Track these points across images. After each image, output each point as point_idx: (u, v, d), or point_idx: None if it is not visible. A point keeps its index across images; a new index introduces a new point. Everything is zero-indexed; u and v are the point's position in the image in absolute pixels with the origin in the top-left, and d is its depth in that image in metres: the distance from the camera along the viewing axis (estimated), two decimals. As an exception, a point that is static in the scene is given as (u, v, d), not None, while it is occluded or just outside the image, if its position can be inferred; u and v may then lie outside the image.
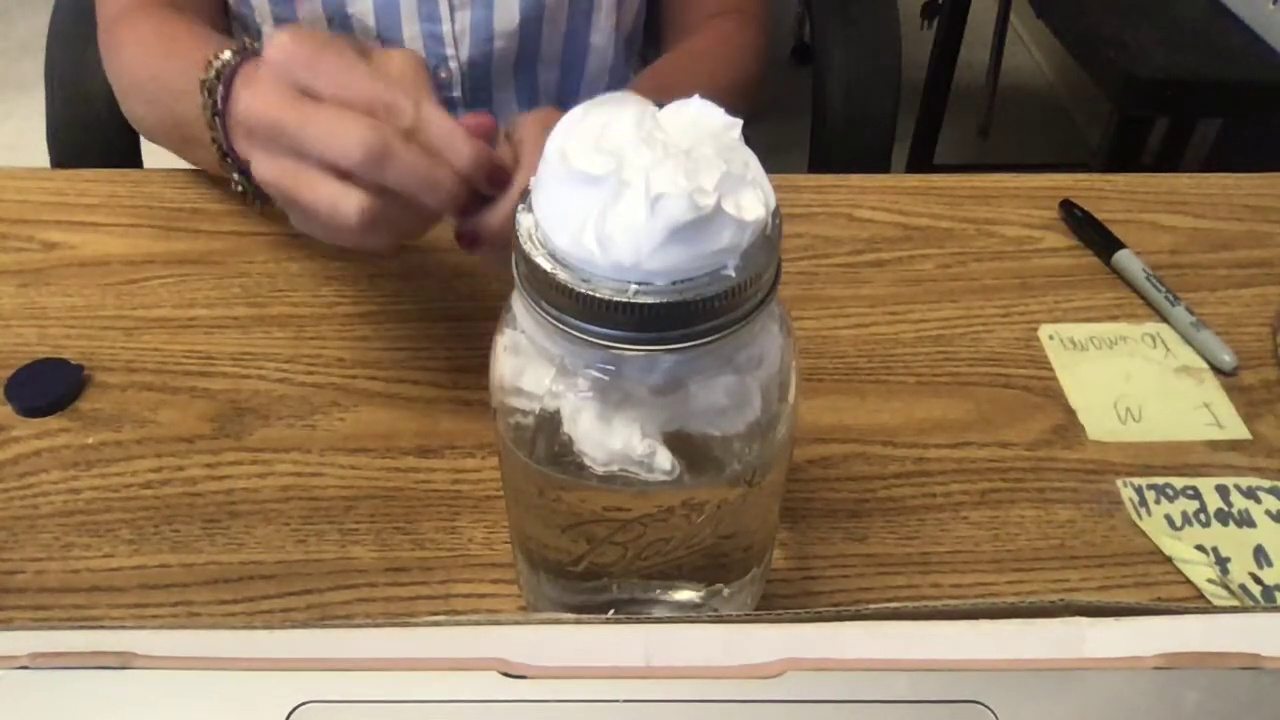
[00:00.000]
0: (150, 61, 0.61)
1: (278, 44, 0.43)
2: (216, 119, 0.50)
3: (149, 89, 0.61)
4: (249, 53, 0.50)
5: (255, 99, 0.42)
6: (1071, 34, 1.30)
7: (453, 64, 0.74)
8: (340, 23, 0.72)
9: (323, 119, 0.41)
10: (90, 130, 0.78)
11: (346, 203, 0.41)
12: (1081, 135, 2.22)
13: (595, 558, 0.37)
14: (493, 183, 0.44)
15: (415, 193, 0.42)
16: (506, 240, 0.41)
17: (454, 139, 0.42)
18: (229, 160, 0.50)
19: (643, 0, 0.80)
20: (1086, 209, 0.66)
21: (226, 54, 0.49)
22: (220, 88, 0.49)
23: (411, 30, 0.72)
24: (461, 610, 0.45)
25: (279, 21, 0.73)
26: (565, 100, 0.79)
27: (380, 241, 0.43)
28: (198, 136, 0.52)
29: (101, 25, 0.67)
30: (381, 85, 0.42)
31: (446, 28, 0.72)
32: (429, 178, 0.41)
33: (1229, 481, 0.50)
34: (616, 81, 0.80)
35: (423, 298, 0.60)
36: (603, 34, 0.77)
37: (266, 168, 0.43)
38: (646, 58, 0.87)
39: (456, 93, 0.76)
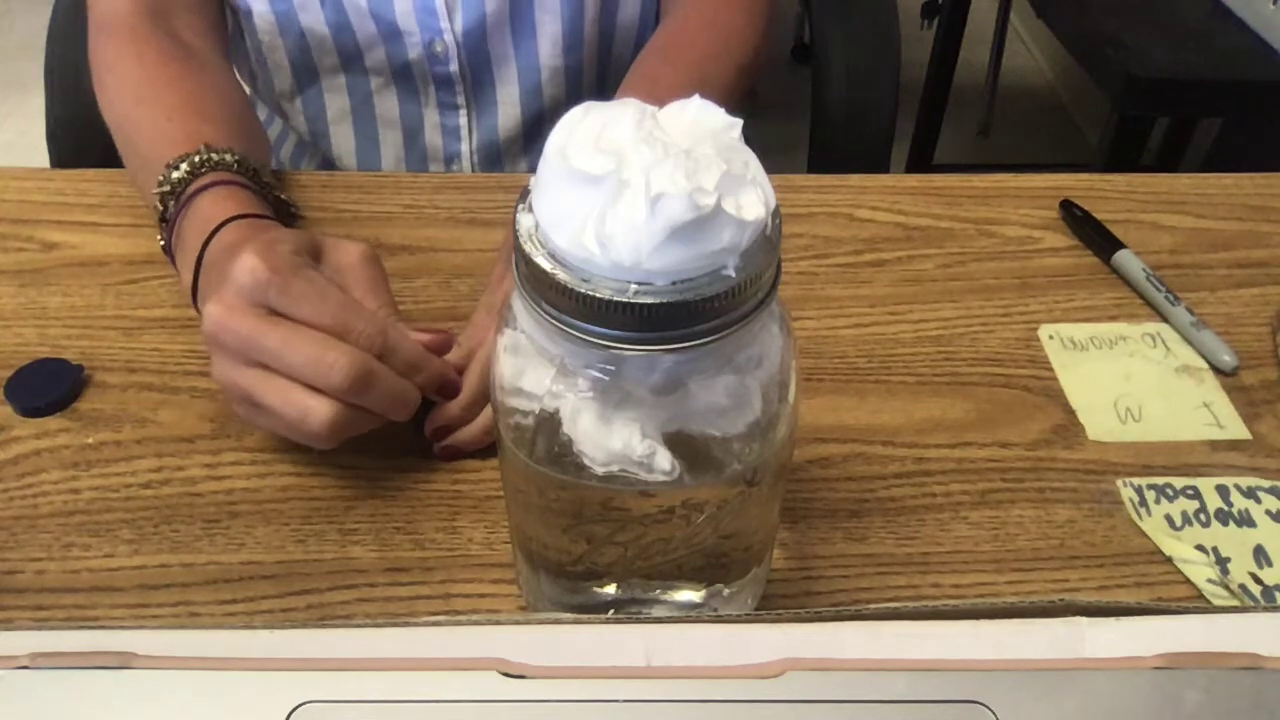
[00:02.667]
0: (124, 114, 0.62)
1: (247, 268, 0.44)
2: (164, 224, 0.56)
3: (120, 144, 0.63)
4: (205, 166, 0.55)
5: (230, 316, 0.44)
6: (1071, 34, 1.30)
7: (447, 37, 0.74)
8: (332, 3, 0.72)
9: (305, 343, 0.43)
10: (90, 130, 0.78)
11: (317, 414, 0.44)
12: (1081, 135, 2.22)
13: (595, 558, 0.37)
14: (442, 392, 0.49)
15: (386, 411, 0.46)
16: (483, 442, 0.50)
17: (419, 361, 0.47)
18: (170, 256, 0.56)
19: None
20: (1086, 209, 0.66)
21: (184, 167, 0.55)
22: (173, 202, 0.55)
23: (404, 6, 0.72)
24: (461, 610, 0.45)
25: (271, 2, 0.72)
26: (569, 74, 0.78)
27: (334, 443, 0.46)
28: (150, 205, 0.58)
29: (91, 25, 0.67)
30: (351, 313, 0.45)
31: (439, 0, 0.72)
32: (402, 398, 0.46)
33: (1229, 481, 0.50)
34: (612, 52, 0.79)
35: (423, 298, 0.60)
36: None
37: (231, 375, 0.45)
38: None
39: (453, 66, 0.75)
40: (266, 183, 0.60)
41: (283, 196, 0.63)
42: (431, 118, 0.79)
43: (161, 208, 0.56)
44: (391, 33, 0.73)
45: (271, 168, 0.64)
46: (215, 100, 0.63)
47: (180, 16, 0.68)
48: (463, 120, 0.79)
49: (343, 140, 0.81)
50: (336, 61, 0.76)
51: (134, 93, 0.62)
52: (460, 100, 0.78)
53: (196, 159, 0.55)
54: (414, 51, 0.74)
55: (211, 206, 0.53)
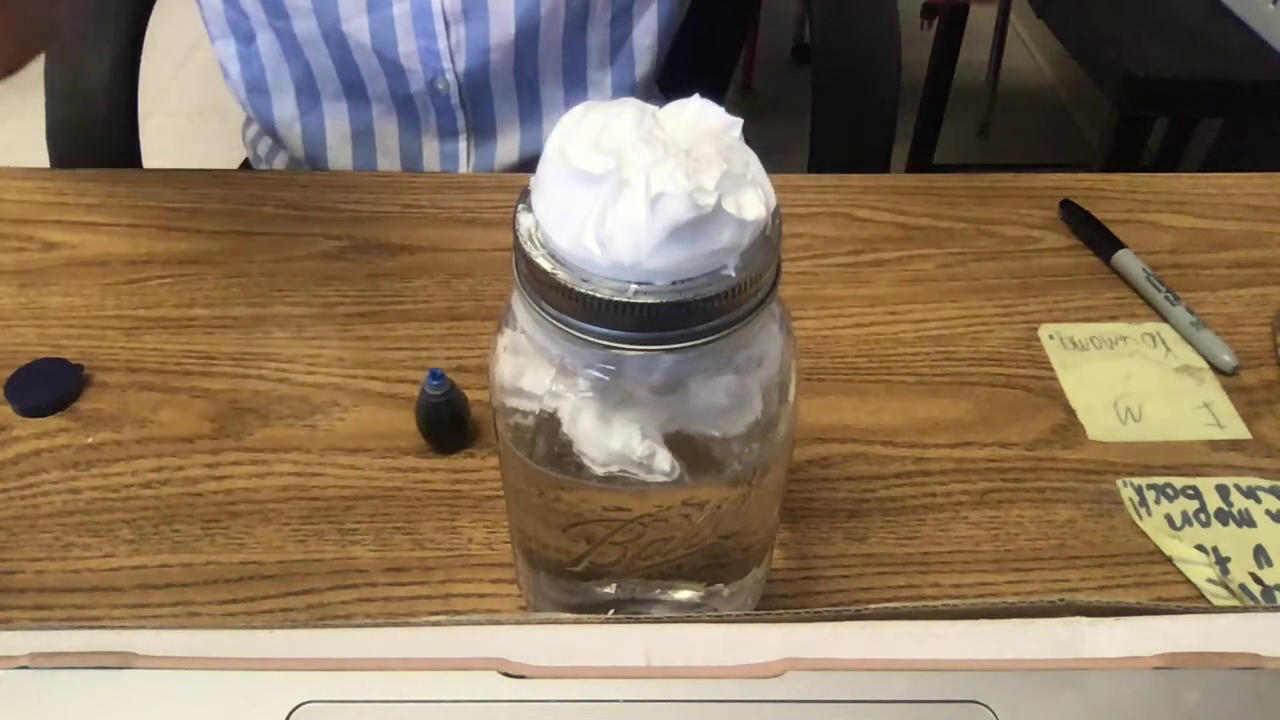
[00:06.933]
0: None
1: None
2: None
3: None
4: None
5: None
6: (1071, 34, 1.30)
7: (449, 76, 0.75)
8: (336, 40, 0.72)
9: None
10: (90, 130, 0.78)
11: None
12: (1081, 135, 2.22)
13: (595, 558, 0.37)
14: None
15: None
16: None
17: None
18: None
19: (656, 34, 0.80)
20: (1086, 209, 0.66)
21: None
22: None
23: (408, 46, 0.72)
24: (461, 610, 0.45)
25: (277, 33, 0.73)
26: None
27: None
28: None
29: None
30: None
31: (442, 43, 0.72)
32: None
33: (1229, 481, 0.50)
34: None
35: (422, 298, 0.60)
36: (599, 37, 0.76)
37: None
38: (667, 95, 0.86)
39: (455, 100, 0.76)
40: None
41: None
42: (431, 145, 0.80)
43: None
44: (394, 70, 0.74)
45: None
46: None
47: None
48: (461, 147, 0.80)
49: (340, 166, 0.82)
50: (339, 89, 0.77)
51: None
52: (460, 127, 0.79)
53: None
54: (416, 86, 0.75)
55: None
